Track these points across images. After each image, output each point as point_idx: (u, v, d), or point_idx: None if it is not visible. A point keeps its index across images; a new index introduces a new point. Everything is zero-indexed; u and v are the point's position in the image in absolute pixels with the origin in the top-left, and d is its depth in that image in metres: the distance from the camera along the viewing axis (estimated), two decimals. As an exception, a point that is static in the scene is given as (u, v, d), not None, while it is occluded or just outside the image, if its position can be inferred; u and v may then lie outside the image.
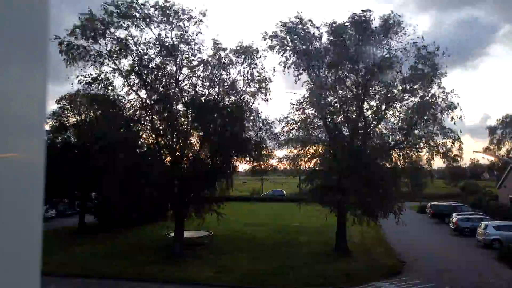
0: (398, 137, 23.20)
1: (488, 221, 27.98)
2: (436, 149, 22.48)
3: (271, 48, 22.80)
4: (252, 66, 22.26)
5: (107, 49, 20.45)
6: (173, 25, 20.90)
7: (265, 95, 22.93)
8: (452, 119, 22.07)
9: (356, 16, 22.02)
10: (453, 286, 17.01)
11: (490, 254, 23.33)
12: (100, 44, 20.25)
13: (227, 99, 22.70)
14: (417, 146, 23.07)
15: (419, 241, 27.70)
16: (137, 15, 20.30)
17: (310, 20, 22.76)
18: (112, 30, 20.26)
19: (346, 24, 22.28)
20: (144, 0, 20.33)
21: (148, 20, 20.51)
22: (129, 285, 17.00)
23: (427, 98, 22.14)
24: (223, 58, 21.82)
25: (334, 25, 22.33)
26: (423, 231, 32.45)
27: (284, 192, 62.65)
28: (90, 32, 19.60)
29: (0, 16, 0.98)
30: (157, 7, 20.50)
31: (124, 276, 17.87)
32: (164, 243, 24.26)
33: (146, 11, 20.42)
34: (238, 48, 21.98)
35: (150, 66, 21.03)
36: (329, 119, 23.49)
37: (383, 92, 23.13)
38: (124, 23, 20.22)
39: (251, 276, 17.93)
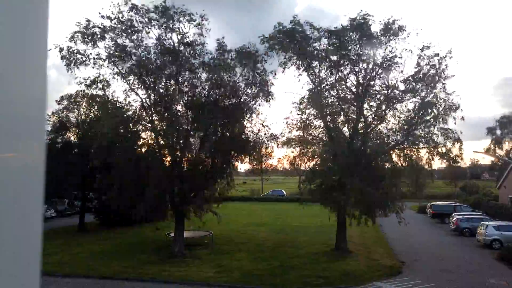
0: (398, 137, 23.19)
1: (488, 221, 27.98)
2: (436, 150, 22.47)
3: (271, 48, 22.75)
4: (253, 68, 22.22)
5: (106, 53, 20.52)
6: (174, 28, 20.89)
7: (267, 97, 22.87)
8: (454, 118, 22.05)
9: (355, 20, 21.96)
10: (452, 286, 17.01)
11: (490, 254, 23.33)
12: (99, 47, 20.36)
13: (227, 100, 22.68)
14: (417, 146, 23.04)
15: (419, 241, 27.70)
16: (139, 19, 20.32)
17: (309, 23, 22.71)
18: (112, 35, 20.31)
19: (346, 27, 22.20)
20: (142, 4, 20.36)
21: (148, 24, 20.52)
22: (129, 285, 17.00)
23: (429, 99, 22.12)
24: (225, 60, 21.78)
25: (333, 28, 22.33)
26: (423, 231, 32.45)
27: (284, 192, 62.70)
28: (89, 37, 19.74)
29: (0, 18, 0.98)
30: (157, 11, 20.47)
31: (124, 276, 17.87)
32: (164, 243, 24.26)
33: (146, 15, 20.41)
34: (239, 50, 21.93)
35: (150, 68, 21.04)
36: (329, 120, 23.48)
37: (383, 93, 23.11)
38: (123, 28, 20.24)
39: (251, 276, 17.93)
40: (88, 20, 19.85)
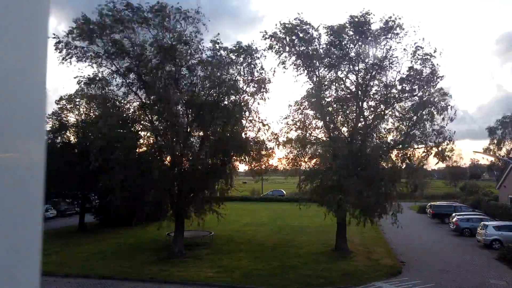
0: (397, 137, 23.20)
1: (488, 221, 27.97)
2: (432, 149, 22.46)
3: (271, 47, 22.80)
4: (252, 66, 22.25)
5: (104, 49, 20.39)
6: (170, 26, 20.80)
7: (263, 95, 22.91)
8: (452, 118, 22.03)
9: (355, 18, 22.01)
10: (453, 286, 17.00)
11: (490, 254, 23.33)
12: (97, 45, 20.23)
13: (226, 99, 22.68)
14: (415, 146, 23.04)
15: (419, 241, 27.68)
16: (133, 18, 20.18)
17: (309, 23, 22.74)
18: (109, 32, 20.18)
19: (346, 25, 22.26)
20: (138, 3, 20.15)
21: (144, 23, 20.38)
22: (129, 285, 17.00)
23: (425, 99, 22.15)
24: (223, 58, 21.76)
25: (333, 26, 22.34)
26: (423, 232, 32.44)
27: (284, 192, 62.69)
28: (88, 33, 19.61)
29: (0, 16, 0.98)
30: (153, 10, 20.30)
31: (124, 276, 17.87)
32: (164, 243, 24.26)
33: (141, 14, 20.24)
34: (238, 47, 21.92)
35: (148, 66, 20.98)
36: (329, 120, 23.48)
37: (382, 93, 23.12)
38: (120, 26, 20.09)
39: (251, 276, 17.93)
40: (85, 16, 19.71)
